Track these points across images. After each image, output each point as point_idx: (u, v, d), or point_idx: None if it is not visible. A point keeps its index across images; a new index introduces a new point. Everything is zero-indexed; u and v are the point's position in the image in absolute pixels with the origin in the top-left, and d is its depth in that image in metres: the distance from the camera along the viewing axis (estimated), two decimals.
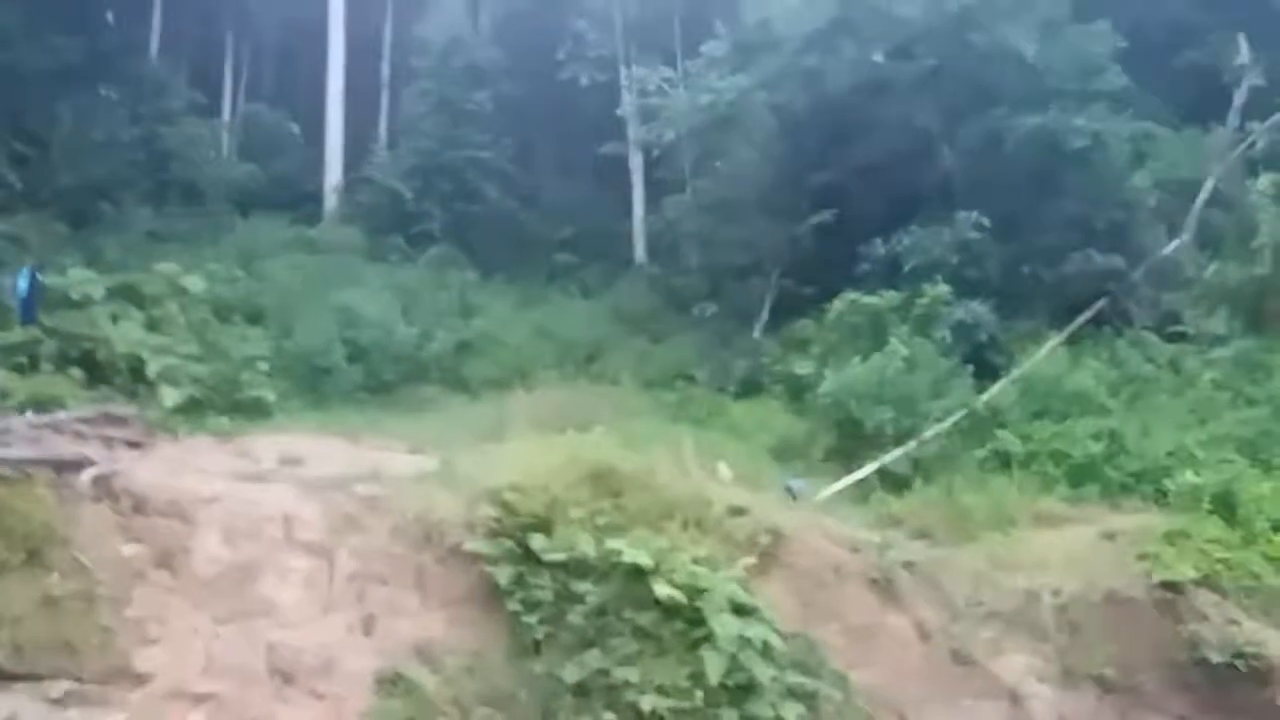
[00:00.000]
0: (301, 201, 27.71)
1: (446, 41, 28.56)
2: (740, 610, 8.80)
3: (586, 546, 8.99)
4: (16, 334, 15.22)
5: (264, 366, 16.50)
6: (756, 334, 21.72)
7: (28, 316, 14.75)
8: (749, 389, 19.23)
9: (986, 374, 16.15)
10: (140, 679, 7.46)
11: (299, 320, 18.62)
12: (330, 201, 27.75)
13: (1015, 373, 15.87)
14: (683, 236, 24.60)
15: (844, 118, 20.89)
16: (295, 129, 30.43)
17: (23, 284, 14.53)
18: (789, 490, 12.56)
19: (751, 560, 9.55)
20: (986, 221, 18.50)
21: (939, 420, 14.68)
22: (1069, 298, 18.12)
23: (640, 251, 27.75)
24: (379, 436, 13.23)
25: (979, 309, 17.40)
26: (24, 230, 21.49)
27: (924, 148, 20.01)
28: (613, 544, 9.00)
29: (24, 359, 15.03)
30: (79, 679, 7.21)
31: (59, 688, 7.16)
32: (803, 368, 17.68)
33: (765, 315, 22.07)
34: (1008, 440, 13.78)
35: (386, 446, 12.72)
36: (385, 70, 32.27)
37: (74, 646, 7.32)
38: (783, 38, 21.93)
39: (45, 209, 23.01)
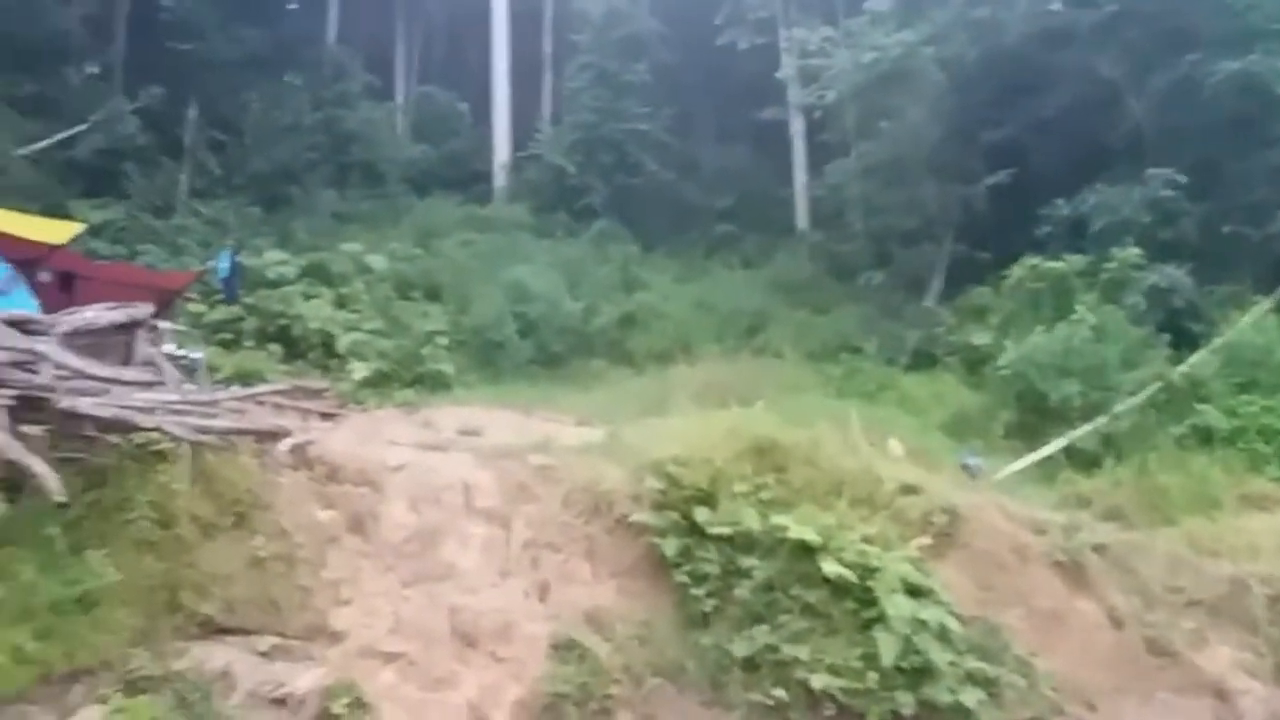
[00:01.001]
0: (473, 180, 28.59)
1: (605, 14, 28.71)
2: (914, 592, 8.61)
3: (751, 521, 8.97)
4: (220, 312, 16.52)
5: (443, 341, 17.25)
6: (928, 303, 20.98)
7: (230, 296, 15.89)
8: (921, 361, 18.62)
9: (1184, 343, 15.10)
10: (336, 636, 7.94)
11: (473, 296, 19.31)
12: (499, 179, 28.51)
13: (1217, 341, 14.74)
14: (847, 202, 23.85)
15: (1019, 70, 19.80)
16: (465, 109, 31.39)
17: (224, 265, 15.63)
18: (966, 468, 12.11)
19: (926, 540, 9.31)
20: (1181, 178, 17.12)
21: (1131, 394, 13.82)
22: (1278, 258, 16.57)
23: (802, 219, 27.16)
24: (549, 409, 13.56)
25: (1174, 273, 16.25)
26: (223, 214, 23.23)
27: (1108, 99, 18.73)
28: (778, 519, 8.96)
29: (228, 335, 16.32)
30: (282, 634, 7.72)
31: (265, 642, 7.68)
32: (980, 338, 17.00)
33: (938, 283, 21.27)
34: (1210, 415, 12.84)
35: (556, 418, 13.02)
36: (548, 47, 32.77)
37: (277, 604, 7.84)
38: None
39: (241, 193, 24.77)
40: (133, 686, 6.62)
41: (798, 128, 27.55)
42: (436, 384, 15.93)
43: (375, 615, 8.17)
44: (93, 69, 26.26)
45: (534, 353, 18.21)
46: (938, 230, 21.42)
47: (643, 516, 9.07)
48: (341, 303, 18.35)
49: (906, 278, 21.61)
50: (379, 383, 15.50)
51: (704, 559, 8.80)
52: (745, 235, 26.73)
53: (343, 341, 16.71)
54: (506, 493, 9.63)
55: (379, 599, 8.33)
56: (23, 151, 21.51)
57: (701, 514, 8.92)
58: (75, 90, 24.52)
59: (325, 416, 11.35)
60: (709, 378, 14.79)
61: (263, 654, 7.61)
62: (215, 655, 7.27)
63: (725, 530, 8.85)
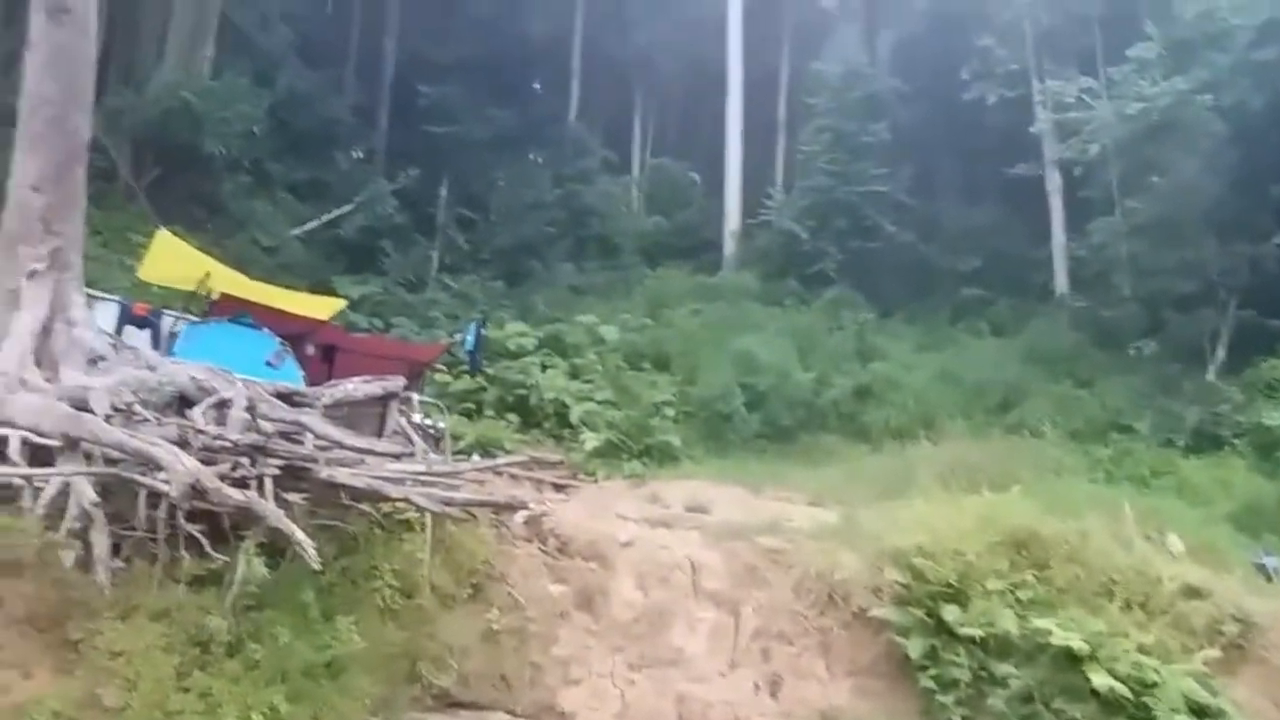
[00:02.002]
0: (703, 249, 28.88)
1: (843, 75, 28.37)
2: (1201, 712, 7.73)
3: (1008, 623, 8.19)
4: (464, 382, 17.33)
5: (671, 412, 17.23)
6: (1210, 376, 18.85)
7: (474, 367, 16.63)
8: (1203, 443, 16.67)
9: None
10: (564, 717, 7.85)
11: (701, 366, 19.23)
12: (729, 247, 28.63)
13: None
14: (1113, 263, 21.86)
15: None
16: (697, 179, 31.93)
17: (470, 338, 16.40)
18: (1261, 568, 10.58)
19: (1214, 653, 8.25)
20: None
21: None
22: None
23: (1061, 282, 25.24)
24: (778, 486, 13.13)
25: None
26: (470, 288, 24.66)
27: None
28: (1039, 623, 8.16)
29: (471, 405, 17.05)
30: (512, 712, 7.74)
31: (496, 719, 7.72)
32: (1273, 417, 14.98)
33: (1221, 353, 19.12)
34: None
35: (786, 497, 12.57)
36: (781, 111, 32.86)
37: (509, 681, 7.88)
38: (1231, 30, 19.13)
39: (487, 267, 26.25)
40: None
41: (1054, 184, 25.86)
42: (664, 456, 15.89)
43: (603, 698, 8.05)
44: (358, 154, 28.92)
45: (762, 426, 17.81)
46: (1220, 294, 19.33)
47: (883, 611, 8.48)
48: (575, 373, 18.82)
49: (1183, 347, 19.52)
50: (609, 453, 15.65)
51: (953, 662, 8.07)
52: (995, 300, 25.16)
53: (575, 412, 17.06)
54: (735, 576, 9.34)
55: (607, 681, 8.22)
56: (296, 231, 23.83)
57: (950, 612, 8.22)
58: (343, 174, 27.02)
59: (558, 488, 11.50)
60: (955, 457, 13.78)
61: None
62: None
63: (977, 632, 8.10)
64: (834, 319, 23.19)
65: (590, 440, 15.77)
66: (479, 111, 27.88)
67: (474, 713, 7.61)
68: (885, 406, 19.04)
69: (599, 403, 17.37)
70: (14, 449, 7.33)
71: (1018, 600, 8.33)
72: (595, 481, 13.64)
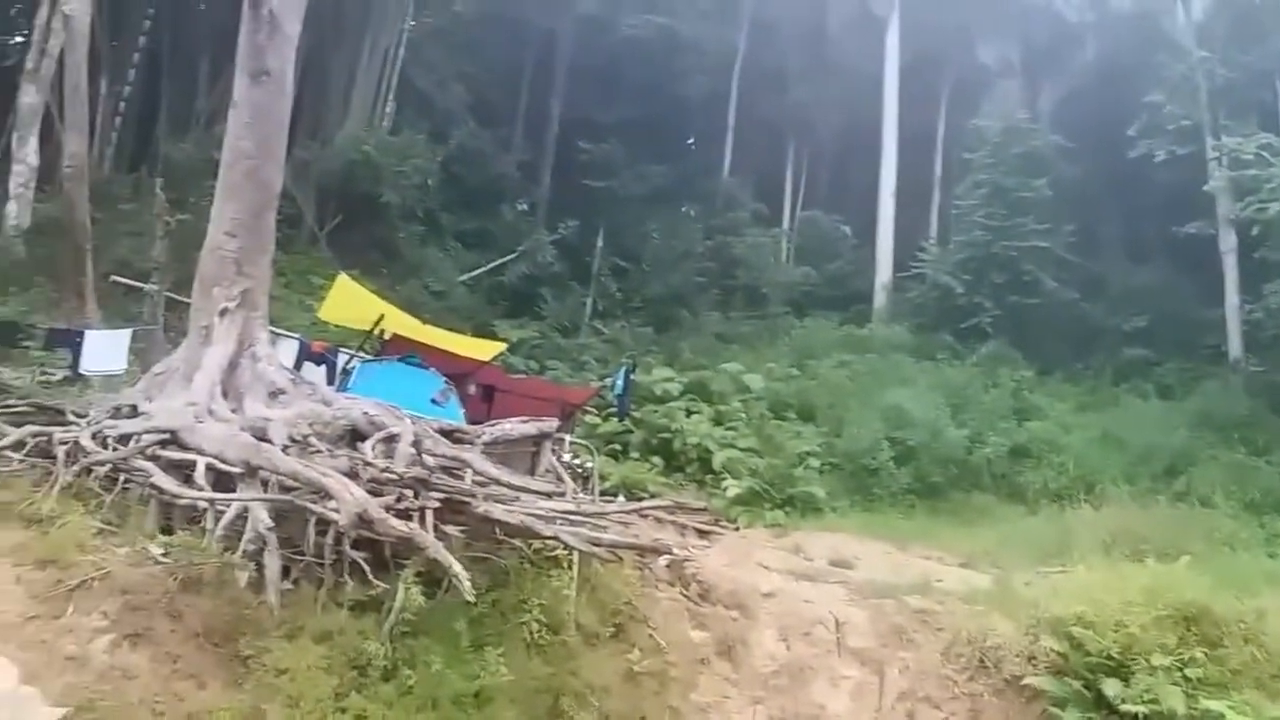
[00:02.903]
0: (852, 301, 28.62)
1: (1002, 130, 27.77)
2: None
3: (1174, 701, 7.68)
4: (612, 425, 17.70)
5: (815, 463, 17.06)
6: None
7: (622, 410, 16.97)
8: None
9: None
10: None
11: (848, 419, 18.99)
12: (879, 299, 28.26)
13: None
14: None
15: None
16: (847, 230, 31.73)
17: (619, 381, 16.76)
18: None
19: None
20: None
21: None
22: None
23: (1235, 345, 23.73)
24: (927, 545, 12.77)
25: None
26: (620, 334, 25.23)
27: None
28: (1210, 704, 7.62)
29: (617, 446, 17.39)
30: None
31: None
32: None
33: None
34: None
35: (936, 556, 12.21)
36: (937, 167, 32.37)
37: None
38: None
39: (637, 315, 26.82)
40: None
41: (1229, 244, 24.41)
42: (807, 507, 15.72)
43: None
44: (522, 206, 30.23)
45: (911, 481, 17.37)
46: None
47: (1039, 681, 8.11)
48: (720, 419, 18.92)
49: None
50: (750, 501, 15.62)
51: None
52: (1161, 361, 23.95)
53: (718, 458, 17.15)
54: (881, 635, 9.11)
55: None
56: (463, 278, 25.03)
57: (1111, 687, 7.78)
58: (507, 224, 28.28)
59: (701, 534, 11.55)
60: (1118, 524, 13.05)
61: None
62: None
63: (1141, 709, 7.62)
64: (990, 375, 22.48)
65: (732, 487, 15.79)
66: (636, 167, 28.79)
67: None
68: (1043, 467, 18.29)
69: (742, 450, 17.40)
70: (200, 474, 7.99)
71: (1185, 678, 7.79)
72: (737, 529, 13.61)
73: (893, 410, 18.66)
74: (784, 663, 8.71)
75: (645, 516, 11.06)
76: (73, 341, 11.92)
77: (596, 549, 8.36)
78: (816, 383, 21.51)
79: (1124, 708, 7.69)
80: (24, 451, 8.38)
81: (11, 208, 19.88)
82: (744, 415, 19.14)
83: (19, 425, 9.14)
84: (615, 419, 17.56)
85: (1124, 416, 20.89)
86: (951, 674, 8.69)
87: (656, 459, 17.40)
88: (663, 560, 9.52)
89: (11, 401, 10.47)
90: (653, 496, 13.42)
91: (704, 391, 19.88)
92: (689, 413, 18.82)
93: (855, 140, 33.12)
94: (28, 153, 20.08)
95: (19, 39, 23.68)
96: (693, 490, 16.10)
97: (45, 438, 8.50)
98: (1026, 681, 8.18)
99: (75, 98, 18.28)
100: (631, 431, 17.92)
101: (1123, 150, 26.38)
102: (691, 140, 34.22)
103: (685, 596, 9.36)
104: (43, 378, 12.14)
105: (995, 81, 31.01)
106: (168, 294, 13.32)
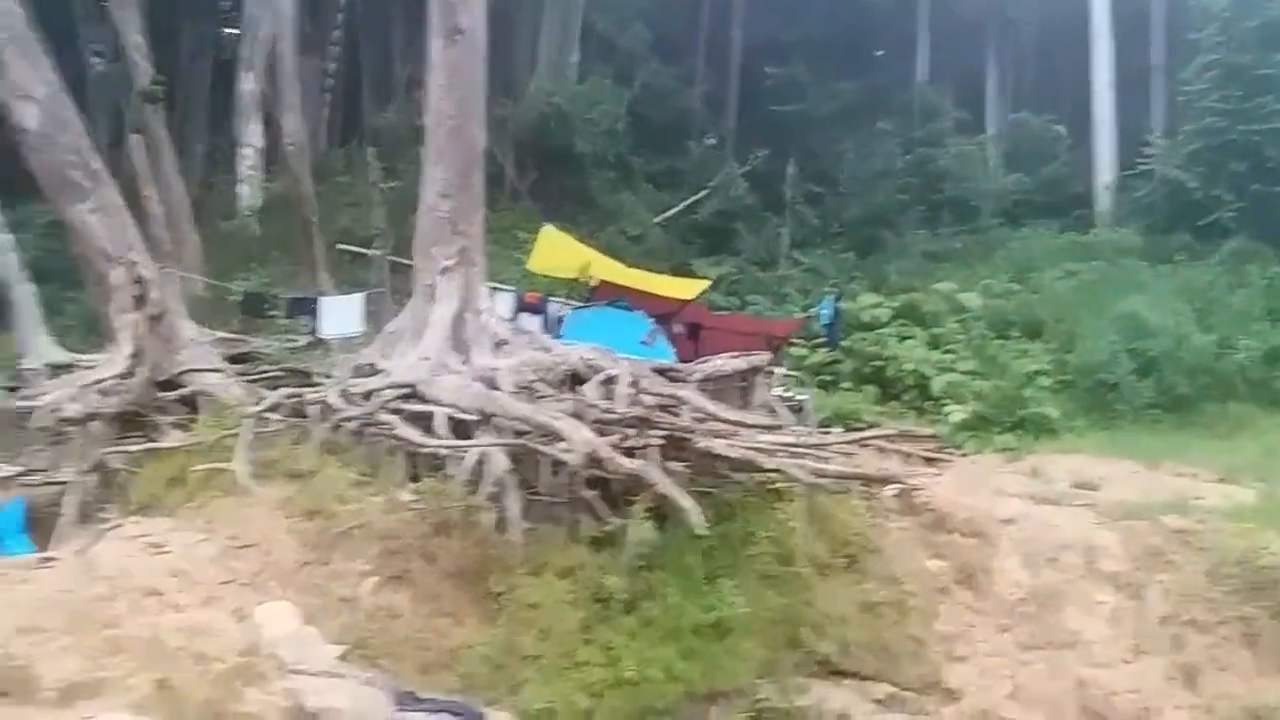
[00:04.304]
0: (1071, 206, 26.59)
1: (1232, 3, 24.66)
2: None
3: None
4: (820, 356, 17.34)
5: (1045, 382, 16.04)
6: None
7: (831, 340, 16.58)
8: None
9: None
10: (951, 694, 7.62)
11: (1079, 332, 17.67)
12: (1102, 202, 26.09)
13: None
14: None
15: None
16: (1061, 130, 29.39)
17: (826, 312, 16.37)
18: None
19: None
20: None
21: None
22: None
23: None
24: (1179, 461, 11.73)
25: None
26: (821, 262, 24.56)
27: None
28: None
29: (827, 378, 17.05)
30: (896, 684, 7.62)
31: (881, 690, 7.66)
32: None
33: None
34: None
35: (1190, 473, 11.20)
36: (1157, 51, 29.31)
37: (890, 652, 7.76)
38: None
39: (837, 241, 26.01)
40: (761, 716, 6.98)
41: None
42: (1039, 429, 14.78)
43: (992, 677, 7.72)
44: (710, 140, 29.84)
45: (1155, 395, 15.96)
46: None
47: None
48: (935, 343, 18.11)
49: None
50: (976, 426, 14.88)
51: None
52: None
53: (937, 383, 16.46)
54: (1136, 558, 8.53)
55: (995, 660, 7.85)
56: (657, 220, 25.09)
57: None
58: (696, 161, 28.02)
59: (928, 462, 11.12)
60: None
61: (879, 701, 7.62)
62: (834, 697, 7.41)
63: None
64: (1236, 275, 20.28)
65: (956, 412, 15.12)
66: (824, 86, 27.81)
67: (858, 682, 7.58)
68: None
69: (963, 373, 16.62)
70: (439, 423, 8.43)
71: None
72: (964, 455, 13.01)
73: (1129, 319, 17.15)
74: (1031, 589, 8.31)
75: (867, 446, 10.78)
76: (311, 308, 12.82)
77: (821, 480, 8.20)
78: (1040, 297, 20.13)
79: None
80: (281, 412, 9.12)
81: (244, 190, 21.61)
82: (962, 336, 18.23)
83: (274, 389, 9.99)
84: (824, 350, 17.19)
85: None
86: (1219, 596, 8.04)
87: (869, 388, 16.89)
88: (891, 490, 9.26)
89: (265, 367, 11.47)
90: (869, 427, 13.05)
91: (916, 315, 19.04)
92: (901, 338, 18.09)
93: (1061, 31, 30.45)
94: (252, 137, 21.72)
95: (233, 31, 25.51)
96: (911, 418, 15.49)
97: (298, 398, 9.20)
98: None
99: (287, 80, 19.56)
100: (841, 361, 17.47)
101: None
102: (881, 51, 32.52)
103: (919, 526, 9.07)
104: (288, 344, 13.20)
105: None
106: (390, 258, 14.06)
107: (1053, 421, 14.80)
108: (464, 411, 8.40)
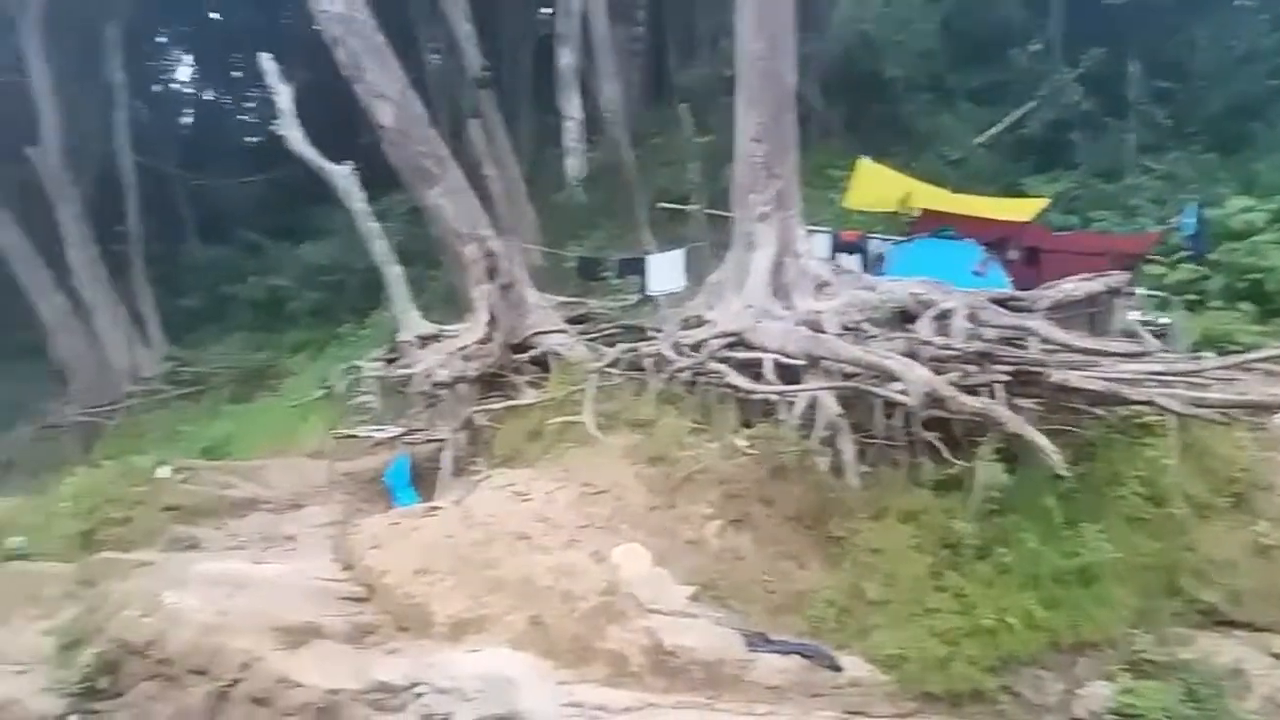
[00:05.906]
0: None
1: None
2: None
3: None
4: (1181, 272, 15.40)
5: None
6: None
7: (1199, 252, 14.70)
8: None
9: None
10: None
11: None
12: None
13: None
14: None
15: None
16: None
17: (1190, 221, 14.49)
18: None
19: None
20: None
21: None
22: None
23: None
24: None
25: None
26: (1176, 167, 21.69)
27: None
28: None
29: (1192, 296, 15.12)
30: None
31: (1278, 641, 6.79)
32: None
33: None
34: None
35: None
36: None
37: None
38: None
39: (1194, 141, 22.81)
40: (1138, 669, 6.42)
41: None
42: None
43: None
44: (1036, 46, 27.21)
45: None
46: None
47: None
48: None
49: None
50: None
51: None
52: None
53: None
54: None
55: None
56: (979, 139, 23.42)
57: None
58: (1021, 71, 25.66)
59: None
60: None
61: (1276, 655, 6.73)
62: (1223, 650, 6.68)
63: None
64: None
65: None
66: None
67: (1251, 633, 6.75)
68: None
69: None
70: (768, 369, 8.48)
71: None
72: None
73: None
74: None
75: (1251, 370, 9.42)
76: (639, 267, 13.34)
77: (1199, 411, 7.28)
78: None
79: None
80: (620, 367, 9.64)
81: (571, 162, 22.87)
82: None
83: (611, 346, 10.59)
84: (1188, 265, 15.24)
85: None
86: None
87: (1245, 305, 14.74)
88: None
89: (602, 325, 12.17)
90: (1246, 350, 11.40)
91: None
92: None
93: None
94: (573, 109, 22.85)
95: (548, 11, 26.98)
96: None
97: (634, 353, 9.67)
98: None
99: (602, 50, 20.37)
100: (1208, 277, 15.36)
101: None
102: None
103: None
104: (620, 302, 13.88)
105: None
106: (707, 211, 14.27)
107: None
108: (790, 356, 8.38)
